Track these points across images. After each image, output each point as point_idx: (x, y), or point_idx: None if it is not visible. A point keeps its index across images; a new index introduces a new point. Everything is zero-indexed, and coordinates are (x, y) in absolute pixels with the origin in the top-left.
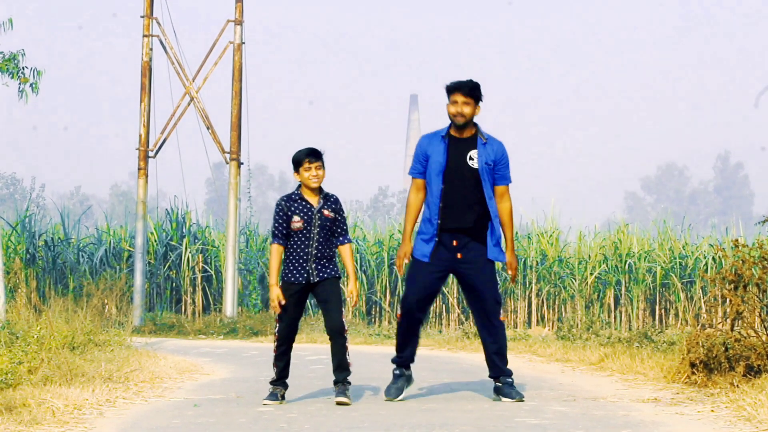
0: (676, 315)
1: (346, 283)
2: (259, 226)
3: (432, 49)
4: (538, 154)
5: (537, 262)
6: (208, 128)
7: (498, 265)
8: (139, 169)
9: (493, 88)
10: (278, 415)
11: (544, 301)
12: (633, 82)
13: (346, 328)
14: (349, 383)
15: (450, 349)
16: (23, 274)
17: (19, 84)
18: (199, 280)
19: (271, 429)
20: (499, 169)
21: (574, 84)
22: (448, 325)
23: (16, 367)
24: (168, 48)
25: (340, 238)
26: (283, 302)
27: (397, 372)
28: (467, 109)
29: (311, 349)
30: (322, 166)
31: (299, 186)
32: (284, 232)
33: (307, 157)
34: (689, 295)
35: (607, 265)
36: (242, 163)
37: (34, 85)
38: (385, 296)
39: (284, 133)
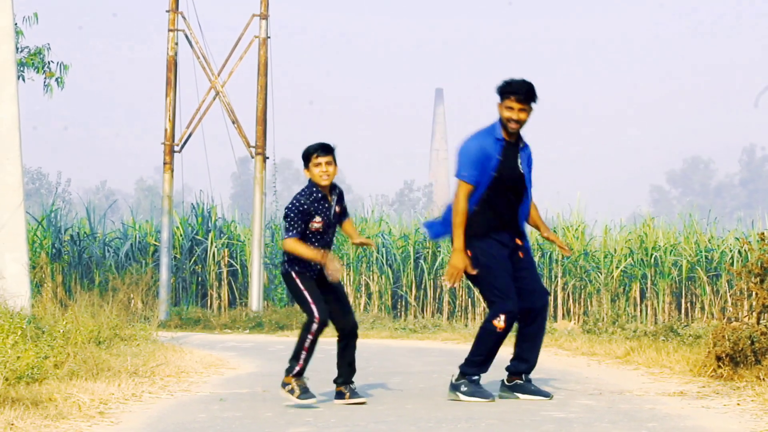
0: (702, 308)
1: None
2: None
3: (458, 44)
4: (564, 147)
5: (563, 256)
6: (233, 122)
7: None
8: (164, 163)
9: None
10: (303, 409)
11: (570, 294)
12: (658, 76)
13: None
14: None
15: None
16: (49, 269)
17: (45, 78)
18: (224, 274)
19: (297, 423)
20: (531, 174)
21: (601, 78)
22: (474, 318)
23: (42, 362)
24: (193, 42)
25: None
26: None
27: (477, 379)
28: (523, 116)
29: (336, 343)
30: (334, 162)
31: (312, 182)
32: (302, 231)
33: (316, 151)
34: (715, 289)
35: (632, 259)
36: (268, 158)
37: (59, 80)
38: (410, 290)
39: (310, 127)
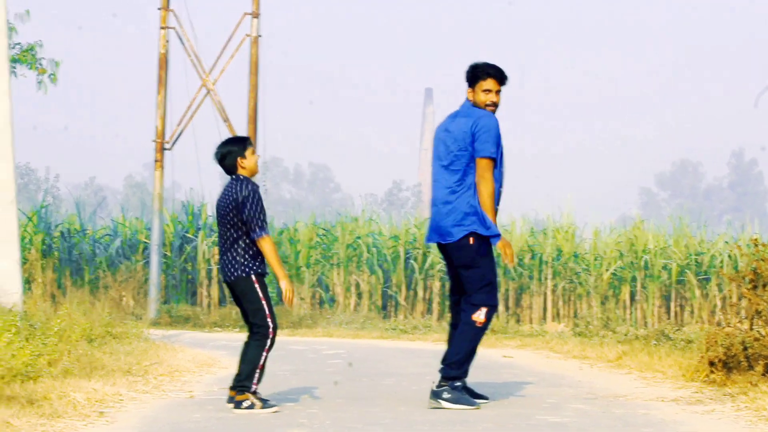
0: (692, 312)
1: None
2: (275, 219)
3: (447, 43)
4: (553, 149)
5: (552, 257)
6: (224, 121)
7: None
8: (155, 161)
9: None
10: (298, 410)
11: (560, 296)
12: (648, 78)
13: None
14: None
15: None
16: (39, 265)
17: (37, 75)
18: (214, 272)
19: (292, 425)
20: None
21: (589, 79)
22: None
23: (35, 360)
24: (185, 40)
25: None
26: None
27: (460, 384)
28: (498, 98)
29: (328, 342)
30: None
31: (240, 175)
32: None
33: (251, 142)
34: (705, 292)
35: (622, 261)
36: (258, 156)
37: (52, 76)
38: (400, 290)
39: (299, 125)
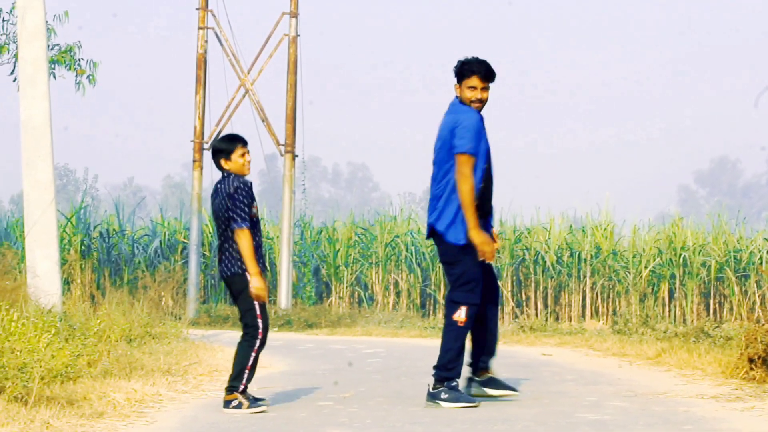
0: (731, 309)
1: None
2: (314, 218)
3: (487, 41)
4: (592, 147)
5: (591, 255)
6: (263, 121)
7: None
8: (194, 161)
9: (540, 76)
10: (338, 409)
11: (599, 294)
12: (686, 75)
13: None
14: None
15: (506, 343)
16: (78, 266)
17: (76, 76)
18: None
19: (332, 424)
20: None
21: (626, 76)
22: (502, 318)
23: (75, 360)
24: (223, 40)
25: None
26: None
27: (455, 384)
28: (485, 95)
29: (366, 341)
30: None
31: (229, 173)
32: (249, 218)
33: (242, 143)
34: (744, 289)
35: (661, 259)
36: (297, 156)
37: (91, 77)
38: (439, 289)
39: (338, 124)
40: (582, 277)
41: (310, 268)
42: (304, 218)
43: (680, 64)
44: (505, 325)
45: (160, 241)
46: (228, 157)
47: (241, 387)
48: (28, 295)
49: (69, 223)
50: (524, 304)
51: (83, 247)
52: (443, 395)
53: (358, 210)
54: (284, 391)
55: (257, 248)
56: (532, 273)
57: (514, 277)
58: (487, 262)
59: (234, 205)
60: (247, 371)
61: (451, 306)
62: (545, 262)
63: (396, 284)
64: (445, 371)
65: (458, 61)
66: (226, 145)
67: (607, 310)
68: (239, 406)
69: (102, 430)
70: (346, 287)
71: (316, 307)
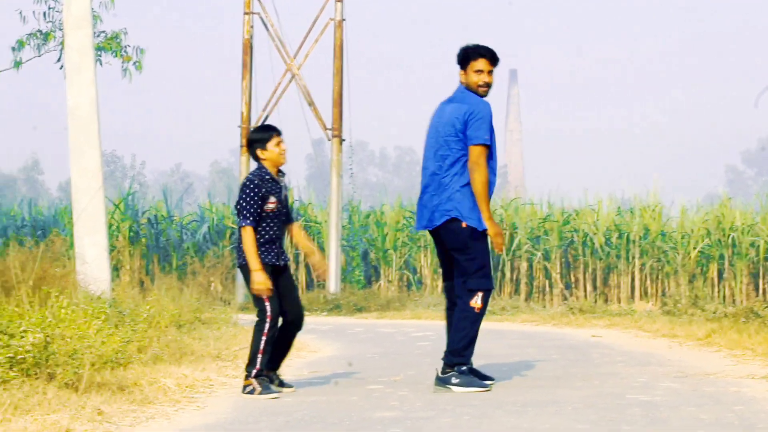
0: None
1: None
2: (362, 202)
3: (531, 24)
4: (639, 129)
5: (640, 236)
6: (309, 105)
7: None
8: (241, 146)
9: (590, 57)
10: (389, 393)
11: (647, 275)
12: (732, 56)
13: None
14: None
15: (555, 325)
16: (127, 252)
17: (122, 63)
18: (302, 256)
19: (383, 408)
20: None
21: (674, 57)
22: (551, 300)
23: (125, 346)
24: (269, 25)
25: (291, 217)
26: (270, 286)
27: (466, 368)
28: (491, 78)
29: (416, 325)
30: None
31: (261, 165)
32: (257, 213)
33: (277, 132)
34: None
35: (710, 240)
36: (344, 140)
37: (137, 64)
38: None
39: (385, 108)
40: (631, 258)
41: (358, 252)
42: (352, 202)
43: (727, 43)
44: (554, 307)
45: (209, 227)
46: (264, 147)
47: (254, 371)
48: (77, 282)
49: (117, 209)
50: (573, 286)
51: (131, 234)
52: (454, 380)
53: (406, 194)
54: (335, 375)
55: (275, 240)
56: (581, 255)
57: (563, 259)
58: (497, 253)
59: (237, 203)
60: (259, 355)
61: (468, 294)
62: (594, 243)
63: None
64: (458, 356)
65: (461, 48)
66: (261, 135)
67: (656, 291)
68: (252, 391)
69: (153, 415)
70: (395, 271)
71: (365, 291)
